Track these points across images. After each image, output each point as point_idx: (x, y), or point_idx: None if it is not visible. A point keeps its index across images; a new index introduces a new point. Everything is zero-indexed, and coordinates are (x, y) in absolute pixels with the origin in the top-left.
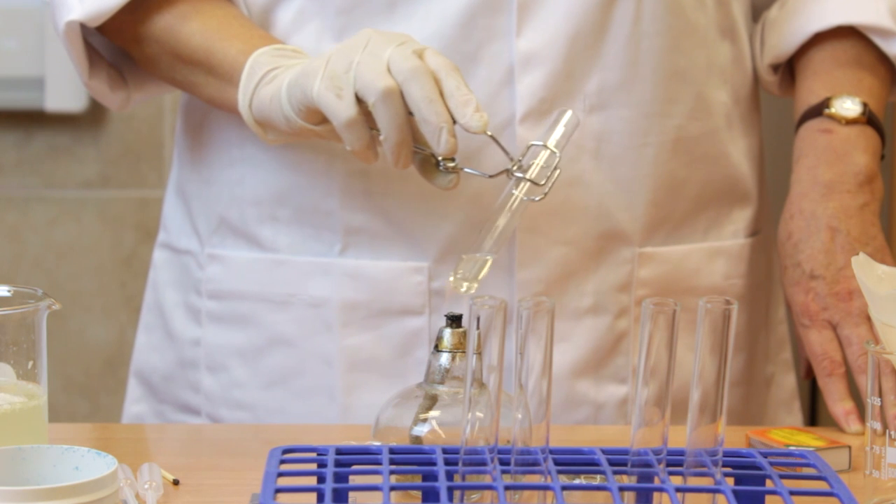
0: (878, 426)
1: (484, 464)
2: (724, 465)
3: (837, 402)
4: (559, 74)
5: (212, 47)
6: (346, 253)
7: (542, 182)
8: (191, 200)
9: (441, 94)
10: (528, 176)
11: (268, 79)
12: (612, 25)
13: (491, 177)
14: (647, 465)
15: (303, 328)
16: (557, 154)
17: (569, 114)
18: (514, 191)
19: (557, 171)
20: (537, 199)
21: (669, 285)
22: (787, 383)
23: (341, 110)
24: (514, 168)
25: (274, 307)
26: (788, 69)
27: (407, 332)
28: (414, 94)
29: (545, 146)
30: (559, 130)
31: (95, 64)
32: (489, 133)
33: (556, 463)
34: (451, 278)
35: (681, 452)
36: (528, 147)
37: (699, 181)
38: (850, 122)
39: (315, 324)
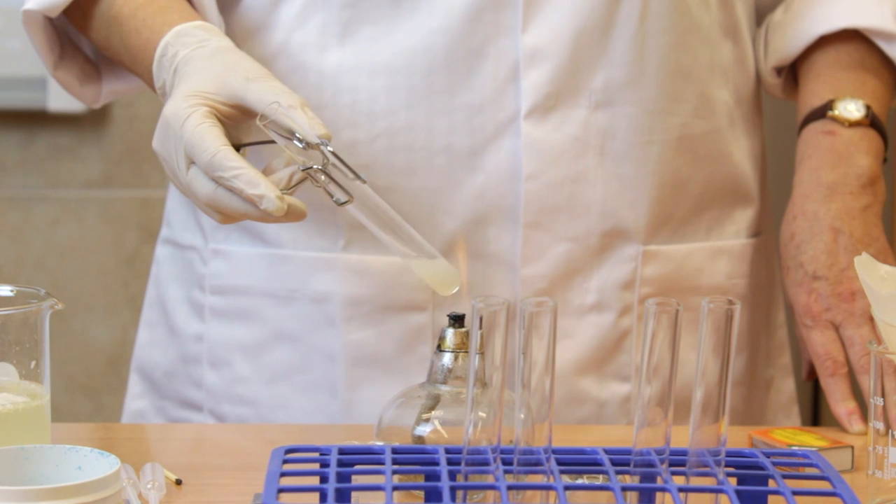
0: (880, 426)
1: (487, 464)
2: (726, 465)
3: (840, 402)
4: (564, 70)
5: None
6: (350, 248)
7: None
8: None
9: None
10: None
11: (168, 84)
12: (618, 22)
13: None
14: (650, 465)
15: (306, 323)
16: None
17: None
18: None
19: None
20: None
21: (673, 284)
22: (786, 388)
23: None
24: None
25: (277, 302)
26: (791, 72)
27: (410, 327)
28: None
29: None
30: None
31: (68, 56)
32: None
33: (559, 463)
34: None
35: (683, 452)
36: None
37: (702, 180)
38: (853, 124)
39: (318, 319)
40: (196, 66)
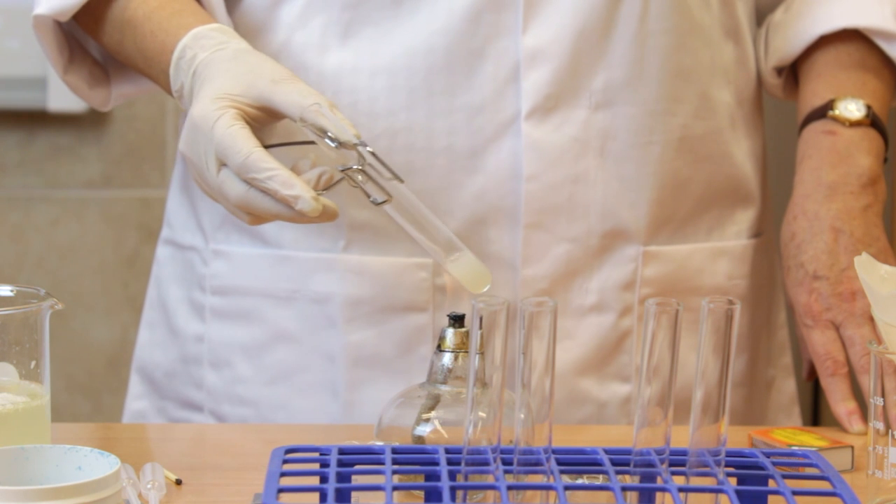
0: (880, 426)
1: (487, 464)
2: (726, 465)
3: (840, 402)
4: (565, 71)
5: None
6: (351, 249)
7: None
8: (195, 196)
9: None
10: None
11: (186, 88)
12: (619, 23)
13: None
14: (650, 465)
15: (306, 324)
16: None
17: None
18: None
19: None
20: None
21: (673, 284)
22: (787, 388)
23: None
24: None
25: (278, 303)
26: (792, 72)
27: (410, 328)
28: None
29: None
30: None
31: (77, 60)
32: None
33: (559, 463)
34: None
35: (683, 452)
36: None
37: (703, 181)
38: (854, 124)
39: (319, 320)
40: (219, 69)
